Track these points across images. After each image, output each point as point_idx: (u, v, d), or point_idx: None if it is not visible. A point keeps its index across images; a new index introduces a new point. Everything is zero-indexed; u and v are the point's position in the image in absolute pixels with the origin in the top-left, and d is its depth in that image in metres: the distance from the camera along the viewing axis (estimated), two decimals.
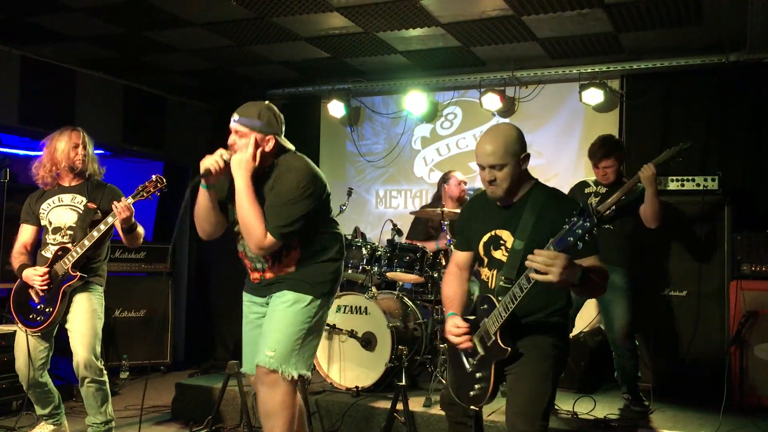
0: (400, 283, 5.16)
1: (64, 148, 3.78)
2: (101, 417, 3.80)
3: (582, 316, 5.18)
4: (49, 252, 3.77)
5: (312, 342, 2.99)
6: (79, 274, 3.69)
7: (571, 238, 2.33)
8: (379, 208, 6.55)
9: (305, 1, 4.46)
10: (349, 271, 4.86)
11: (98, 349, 3.75)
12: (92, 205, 3.81)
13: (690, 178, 4.83)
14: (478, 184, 6.08)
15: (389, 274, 4.87)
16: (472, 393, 2.73)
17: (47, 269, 3.69)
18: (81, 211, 3.80)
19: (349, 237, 5.00)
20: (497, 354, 2.64)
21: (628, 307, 4.13)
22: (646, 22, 4.72)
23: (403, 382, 3.90)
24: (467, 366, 2.77)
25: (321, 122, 6.74)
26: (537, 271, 2.38)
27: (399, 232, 4.99)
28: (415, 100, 6.05)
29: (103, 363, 3.78)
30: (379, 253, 4.82)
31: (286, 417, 2.90)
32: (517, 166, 2.72)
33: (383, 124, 6.58)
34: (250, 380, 3.15)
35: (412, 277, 4.91)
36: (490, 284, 2.79)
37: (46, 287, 3.69)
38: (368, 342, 4.52)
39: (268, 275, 3.00)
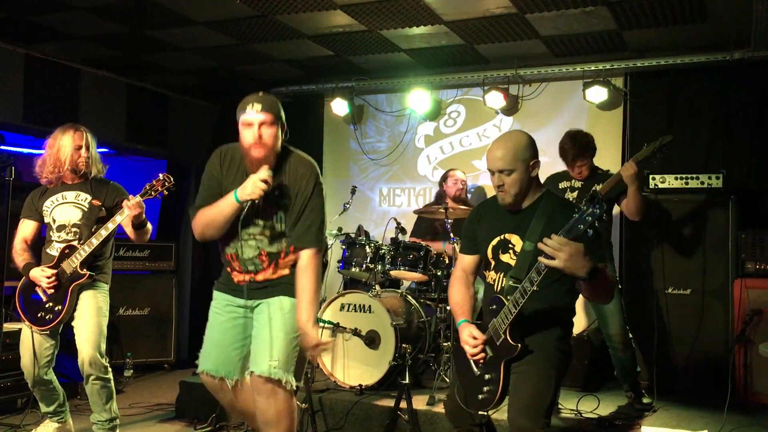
0: (404, 281, 5.16)
1: (67, 150, 3.76)
2: (106, 415, 3.80)
3: (586, 314, 5.19)
4: (54, 250, 3.75)
5: (298, 349, 2.92)
6: (88, 273, 3.69)
7: (581, 226, 2.36)
8: (383, 206, 6.55)
9: None
10: (353, 269, 4.87)
11: (103, 347, 3.75)
12: (97, 202, 3.81)
13: (694, 176, 4.81)
14: (480, 183, 6.08)
15: (393, 273, 4.88)
16: (480, 396, 2.72)
17: (55, 270, 3.68)
18: (86, 209, 3.80)
19: (353, 235, 5.00)
20: (507, 351, 2.64)
21: (619, 298, 4.20)
22: (650, 20, 4.71)
23: (407, 381, 3.91)
24: (475, 369, 2.76)
25: (324, 120, 6.73)
26: (547, 257, 2.41)
27: (403, 231, 4.99)
28: (418, 98, 6.04)
29: (108, 361, 3.79)
30: (383, 251, 4.82)
31: (287, 425, 2.86)
32: (526, 172, 2.72)
33: (387, 122, 6.58)
34: (213, 383, 2.95)
35: (415, 276, 4.90)
36: (496, 287, 2.80)
37: (53, 288, 3.68)
38: (372, 340, 4.52)
39: (260, 278, 2.96)
